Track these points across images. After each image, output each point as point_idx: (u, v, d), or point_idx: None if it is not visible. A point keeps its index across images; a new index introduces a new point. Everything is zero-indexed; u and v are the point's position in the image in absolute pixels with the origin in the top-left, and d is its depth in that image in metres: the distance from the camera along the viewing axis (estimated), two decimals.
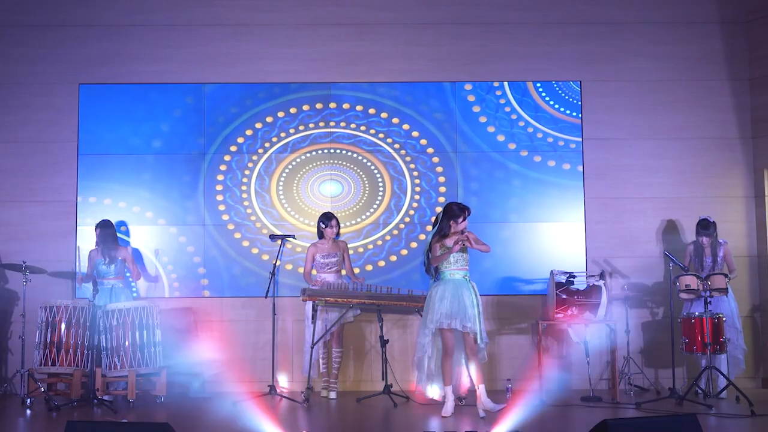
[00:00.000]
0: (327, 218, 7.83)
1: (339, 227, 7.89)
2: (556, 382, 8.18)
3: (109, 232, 7.85)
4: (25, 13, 8.51)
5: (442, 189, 8.45)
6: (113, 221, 8.03)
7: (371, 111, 8.52)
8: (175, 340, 7.84)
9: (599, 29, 8.61)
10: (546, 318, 7.82)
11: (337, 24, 8.57)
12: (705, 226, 7.79)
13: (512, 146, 8.50)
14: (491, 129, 8.52)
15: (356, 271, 8.21)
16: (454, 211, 6.79)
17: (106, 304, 7.46)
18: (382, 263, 8.39)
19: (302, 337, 7.90)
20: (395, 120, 8.51)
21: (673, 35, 8.61)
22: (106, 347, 7.33)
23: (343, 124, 8.51)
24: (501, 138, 8.51)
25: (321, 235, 7.86)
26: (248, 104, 8.51)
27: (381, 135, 8.49)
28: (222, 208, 8.41)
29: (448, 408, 6.70)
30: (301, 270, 8.12)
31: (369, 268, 8.37)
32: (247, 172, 8.44)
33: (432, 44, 8.57)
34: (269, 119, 8.50)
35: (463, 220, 6.78)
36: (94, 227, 7.92)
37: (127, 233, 8.31)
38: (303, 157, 8.49)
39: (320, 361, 7.85)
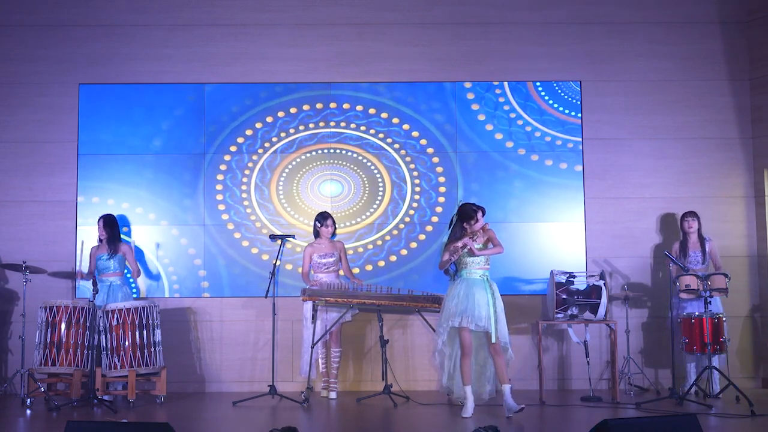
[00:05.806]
0: (323, 217, 7.83)
1: (335, 227, 7.88)
2: (556, 382, 8.21)
3: (115, 225, 7.92)
4: (25, 13, 8.51)
5: (442, 186, 8.45)
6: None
7: (371, 111, 8.52)
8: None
9: (599, 29, 8.61)
10: (546, 318, 7.83)
11: (337, 24, 8.57)
12: (689, 212, 7.96)
13: (512, 146, 8.50)
14: (491, 129, 8.51)
15: (355, 271, 8.20)
16: (467, 212, 6.76)
17: (106, 304, 7.47)
18: (381, 263, 8.39)
19: (302, 338, 7.89)
20: (395, 120, 8.51)
21: (673, 35, 8.60)
22: (106, 347, 7.33)
23: (341, 124, 8.50)
24: (501, 138, 8.50)
25: (317, 234, 7.85)
26: (248, 104, 8.51)
27: (381, 135, 8.49)
28: (222, 208, 8.41)
29: (468, 409, 6.62)
30: (300, 270, 8.12)
31: (369, 267, 8.37)
32: (247, 172, 8.44)
33: (432, 44, 8.57)
34: (269, 119, 8.49)
35: (476, 222, 6.74)
36: (98, 219, 7.92)
37: (129, 233, 8.31)
38: (302, 157, 8.48)
39: (320, 361, 7.85)
